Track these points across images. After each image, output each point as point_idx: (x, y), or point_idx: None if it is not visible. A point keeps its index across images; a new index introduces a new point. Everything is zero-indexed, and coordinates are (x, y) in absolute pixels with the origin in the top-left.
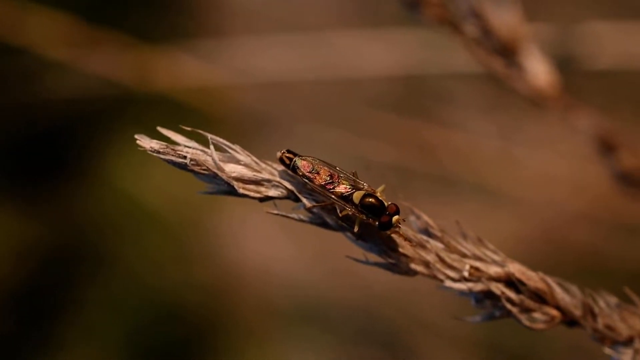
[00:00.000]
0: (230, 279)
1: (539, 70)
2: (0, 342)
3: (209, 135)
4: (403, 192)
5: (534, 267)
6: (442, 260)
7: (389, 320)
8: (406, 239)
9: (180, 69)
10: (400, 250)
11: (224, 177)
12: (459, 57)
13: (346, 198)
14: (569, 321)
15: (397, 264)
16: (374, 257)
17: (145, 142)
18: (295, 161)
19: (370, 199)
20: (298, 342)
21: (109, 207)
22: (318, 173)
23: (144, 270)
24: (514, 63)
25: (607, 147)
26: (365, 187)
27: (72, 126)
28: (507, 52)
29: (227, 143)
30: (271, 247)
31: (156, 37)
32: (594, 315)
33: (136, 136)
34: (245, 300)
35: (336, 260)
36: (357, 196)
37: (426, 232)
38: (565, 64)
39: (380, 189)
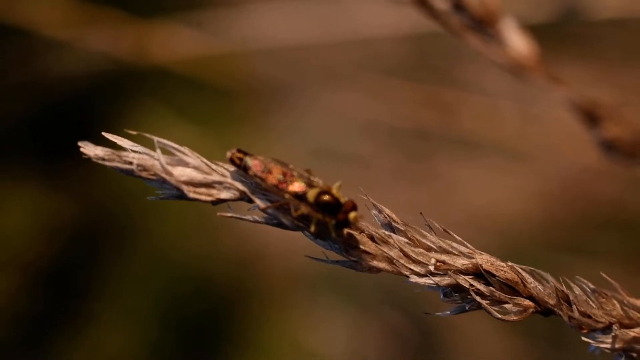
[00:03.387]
0: (255, 249)
1: (515, 42)
2: (32, 319)
3: (156, 139)
4: (422, 155)
5: (557, 224)
6: (406, 255)
7: (413, 285)
8: (368, 235)
9: (184, 42)
10: (362, 247)
11: (173, 181)
12: None
13: (301, 197)
14: (544, 310)
15: (359, 262)
16: (335, 256)
17: (90, 150)
18: (245, 161)
19: (325, 197)
20: (324, 309)
21: (132, 180)
22: (270, 172)
23: (169, 242)
24: (489, 36)
25: (590, 119)
26: (320, 184)
27: (84, 102)
28: (482, 25)
29: (176, 146)
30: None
31: (157, 11)
32: (569, 303)
33: (79, 143)
34: (270, 269)
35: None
36: (311, 194)
37: (389, 226)
38: (575, 15)
39: (336, 185)
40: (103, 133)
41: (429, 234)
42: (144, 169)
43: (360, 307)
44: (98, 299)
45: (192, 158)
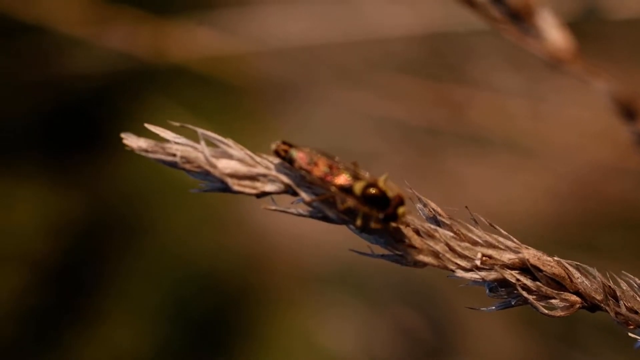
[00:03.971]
0: (263, 246)
1: (553, 35)
2: (41, 315)
3: (199, 130)
4: (433, 152)
5: (568, 222)
6: (452, 250)
7: (424, 283)
8: (413, 229)
9: (199, 40)
10: (407, 241)
11: (217, 174)
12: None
13: (347, 190)
14: (590, 306)
15: (405, 256)
16: (380, 250)
17: (133, 141)
18: (291, 153)
19: (372, 190)
20: (333, 306)
21: (141, 178)
22: (316, 164)
23: (177, 240)
24: (527, 28)
25: (626, 112)
26: (367, 177)
27: (97, 100)
28: (520, 16)
29: (220, 137)
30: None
31: (173, 10)
32: (616, 299)
33: (122, 135)
34: (279, 265)
35: None
36: (358, 187)
37: (434, 220)
38: (591, 13)
39: (382, 178)
40: (145, 124)
41: (474, 228)
42: (188, 161)
43: (370, 305)
44: (106, 295)
45: (236, 150)
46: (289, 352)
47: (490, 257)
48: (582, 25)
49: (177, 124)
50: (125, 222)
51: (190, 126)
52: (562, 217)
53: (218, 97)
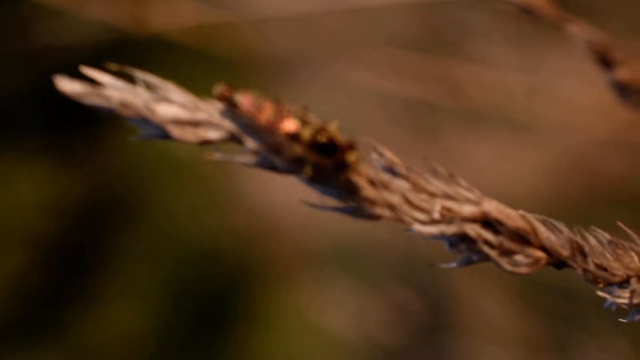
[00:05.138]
0: (264, 224)
1: None
2: (43, 295)
3: (138, 73)
4: (429, 129)
5: (568, 199)
6: (408, 202)
7: (426, 260)
8: (368, 180)
9: (187, 11)
10: (361, 192)
11: (156, 120)
12: None
13: (296, 136)
14: (556, 262)
15: (358, 208)
16: (332, 202)
17: (66, 85)
18: (234, 97)
19: (322, 136)
20: (333, 286)
21: (140, 156)
22: (262, 109)
23: (178, 218)
24: None
25: (603, 60)
26: (317, 122)
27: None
28: None
29: (160, 81)
30: (304, 189)
31: None
32: (583, 255)
33: (54, 78)
34: (280, 244)
35: None
36: (306, 134)
37: (391, 170)
38: None
39: (333, 124)
40: (80, 67)
41: (433, 179)
42: (125, 106)
43: (370, 284)
44: (108, 275)
45: (178, 94)
46: (286, 331)
47: (449, 209)
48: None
49: (116, 67)
50: (125, 202)
51: (129, 69)
52: (561, 194)
53: (207, 70)
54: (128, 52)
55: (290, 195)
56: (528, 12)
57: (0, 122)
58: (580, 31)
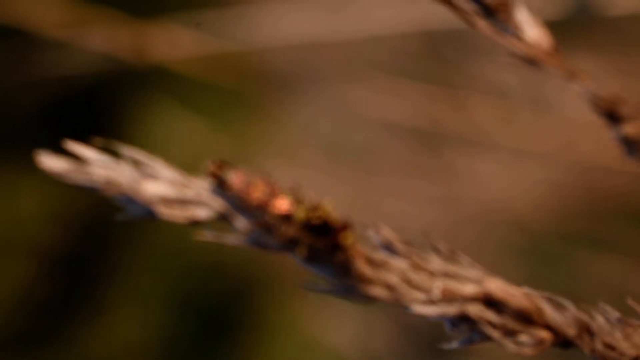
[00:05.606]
0: None
1: (529, 32)
2: (49, 306)
3: (124, 148)
4: (432, 149)
5: (573, 215)
6: (408, 281)
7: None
8: (364, 259)
9: (189, 42)
10: (358, 273)
11: (142, 199)
12: None
13: (289, 216)
14: (562, 342)
15: (355, 289)
16: (327, 283)
17: (47, 161)
18: (225, 174)
19: (316, 217)
20: (335, 300)
21: None
22: (253, 187)
23: (180, 229)
24: (503, 24)
25: (609, 115)
26: (311, 201)
27: (85, 102)
28: (495, 13)
29: (147, 157)
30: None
31: (157, 11)
32: (591, 334)
33: (35, 154)
34: (282, 257)
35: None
36: (301, 214)
37: (388, 248)
38: (580, 11)
39: (328, 203)
40: (64, 143)
41: (434, 257)
42: (111, 185)
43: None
44: (112, 286)
45: (166, 171)
46: (290, 343)
47: (450, 289)
48: (584, 21)
49: (101, 141)
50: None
51: (114, 143)
52: (566, 210)
53: (211, 98)
54: (129, 83)
55: None
56: (532, 64)
57: (4, 133)
58: (586, 86)
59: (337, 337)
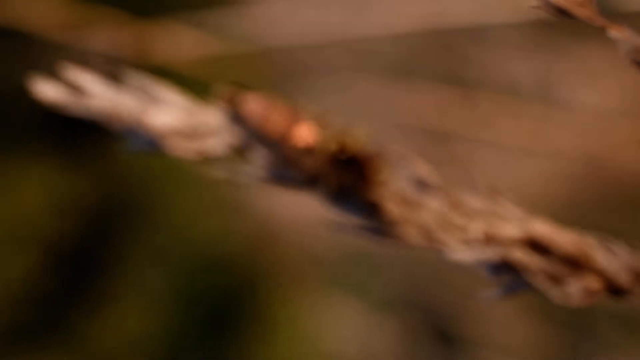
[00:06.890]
0: (272, 229)
1: None
2: (52, 298)
3: (129, 75)
4: (441, 139)
5: (583, 205)
6: (443, 222)
7: (435, 275)
8: (395, 196)
9: (191, 42)
10: (388, 211)
11: (147, 131)
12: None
13: (313, 147)
14: (614, 290)
15: (383, 230)
16: (354, 221)
17: (43, 89)
18: (241, 101)
19: (346, 147)
20: (343, 289)
21: (145, 160)
22: (275, 113)
23: (184, 222)
24: None
25: None
26: (339, 130)
27: None
28: None
29: (154, 84)
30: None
31: (160, 11)
32: None
33: (30, 80)
34: (288, 248)
35: None
36: (327, 143)
37: (423, 185)
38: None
39: (359, 129)
40: (60, 66)
41: (471, 195)
42: (112, 115)
43: (378, 299)
44: (116, 278)
45: (174, 98)
46: (292, 341)
47: (491, 231)
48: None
49: (103, 67)
50: (134, 204)
51: (119, 70)
52: (576, 200)
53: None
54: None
55: (300, 201)
56: (563, 14)
57: (10, 125)
58: (621, 34)
59: (339, 337)
